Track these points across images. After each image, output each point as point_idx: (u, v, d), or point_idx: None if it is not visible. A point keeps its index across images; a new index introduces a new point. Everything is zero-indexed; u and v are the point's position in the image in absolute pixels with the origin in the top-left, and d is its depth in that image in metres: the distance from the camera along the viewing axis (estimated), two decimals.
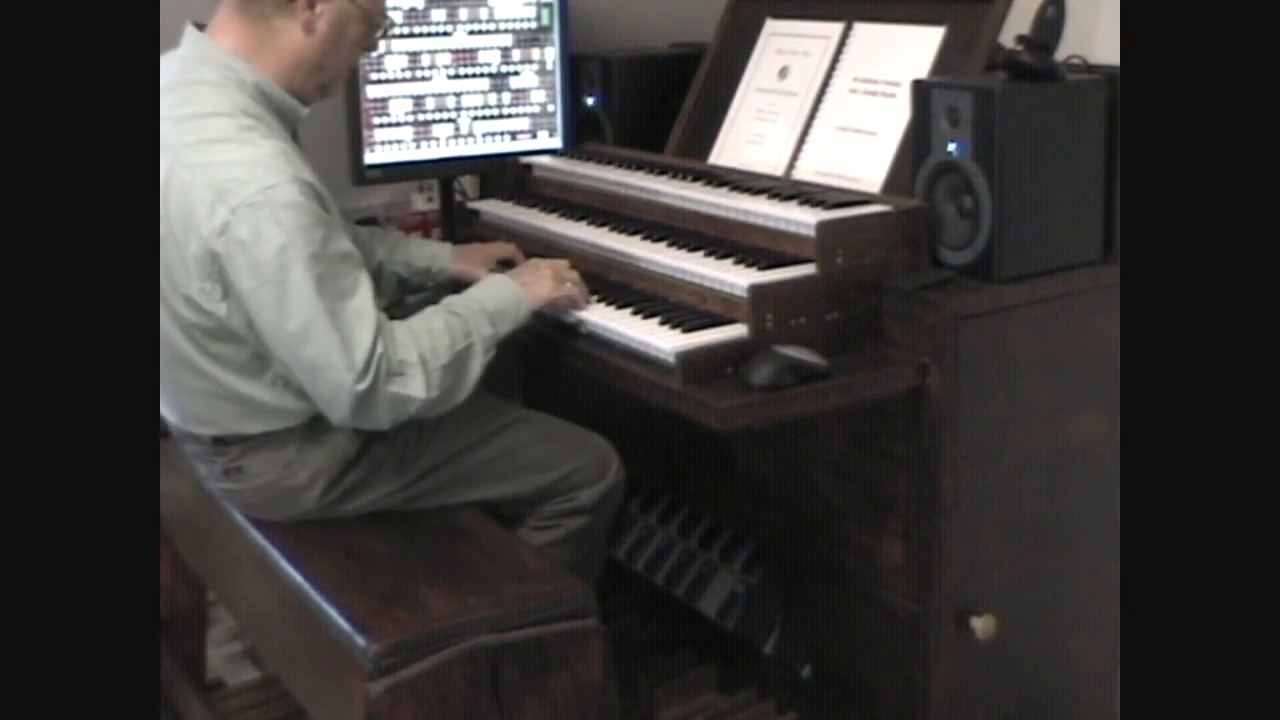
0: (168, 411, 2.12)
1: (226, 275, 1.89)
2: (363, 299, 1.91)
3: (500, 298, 2.08)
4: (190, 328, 1.97)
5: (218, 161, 1.89)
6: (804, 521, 2.29)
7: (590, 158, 2.74)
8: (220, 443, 2.08)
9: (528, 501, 2.20)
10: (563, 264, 2.21)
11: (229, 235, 1.86)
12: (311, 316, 1.87)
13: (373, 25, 2.10)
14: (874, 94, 2.41)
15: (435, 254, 2.41)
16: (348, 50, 2.08)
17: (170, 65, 2.01)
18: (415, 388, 1.93)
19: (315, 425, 2.05)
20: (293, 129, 2.08)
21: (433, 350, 1.95)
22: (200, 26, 2.05)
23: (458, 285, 2.29)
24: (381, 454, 2.10)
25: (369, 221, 2.98)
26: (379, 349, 1.89)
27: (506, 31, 2.81)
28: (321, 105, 2.69)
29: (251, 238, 1.85)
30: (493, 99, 2.82)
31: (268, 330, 1.90)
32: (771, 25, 2.69)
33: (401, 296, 2.42)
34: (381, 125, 2.72)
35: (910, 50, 2.38)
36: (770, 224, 2.20)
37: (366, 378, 1.88)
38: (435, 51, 2.75)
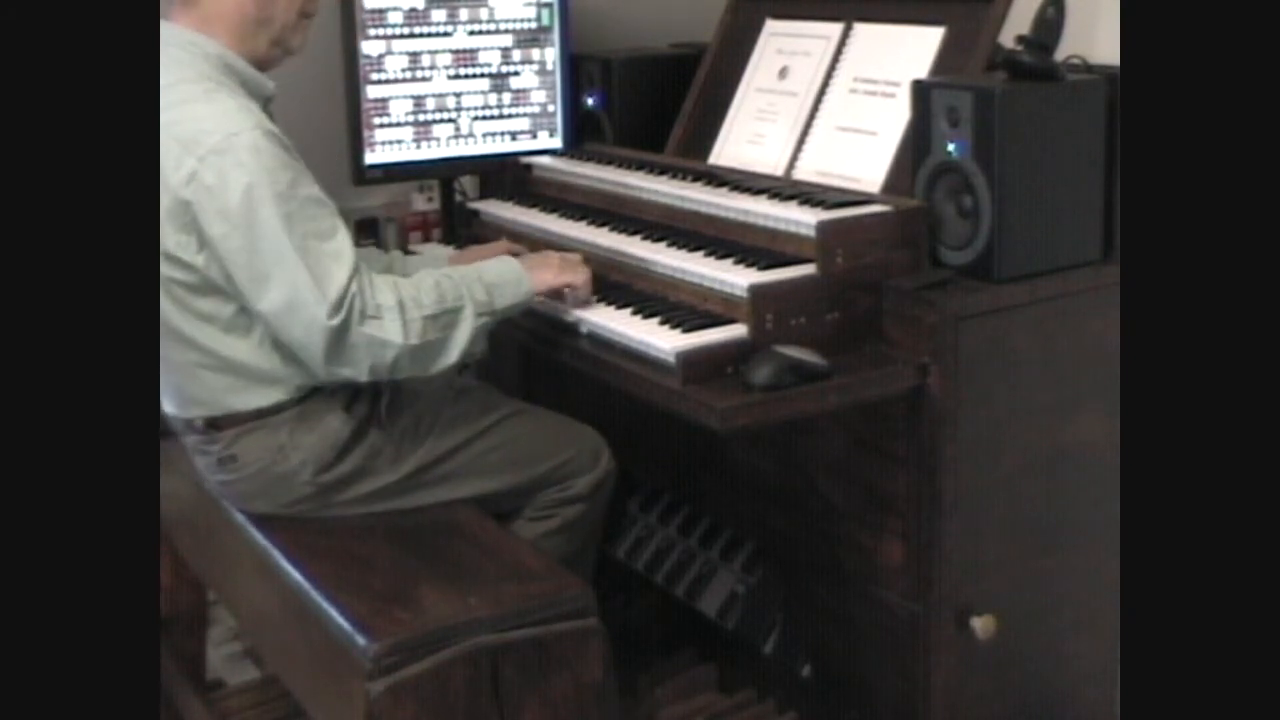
0: (164, 398, 2.13)
1: (199, 224, 1.93)
2: (339, 243, 1.94)
3: (500, 272, 2.10)
4: (171, 284, 1.99)
5: (184, 118, 1.94)
6: (804, 521, 2.29)
7: (590, 158, 2.74)
8: (214, 427, 2.09)
9: (524, 493, 2.21)
10: (575, 257, 2.22)
11: (197, 183, 1.91)
12: (281, 254, 1.90)
13: None
14: (874, 94, 2.41)
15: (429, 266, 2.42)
16: None
17: None
18: (392, 331, 1.94)
19: (306, 409, 2.07)
20: (263, 104, 2.10)
21: (415, 300, 1.97)
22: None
23: None
24: (379, 442, 2.11)
25: (369, 222, 2.99)
26: (353, 288, 1.92)
27: (506, 31, 2.81)
28: (322, 105, 2.71)
29: (218, 183, 1.90)
30: (493, 99, 2.82)
31: (241, 274, 1.93)
32: (771, 25, 2.69)
33: None
34: (382, 125, 2.72)
35: (910, 50, 2.38)
36: (770, 224, 2.20)
37: (339, 313, 1.91)
38: (435, 52, 2.75)
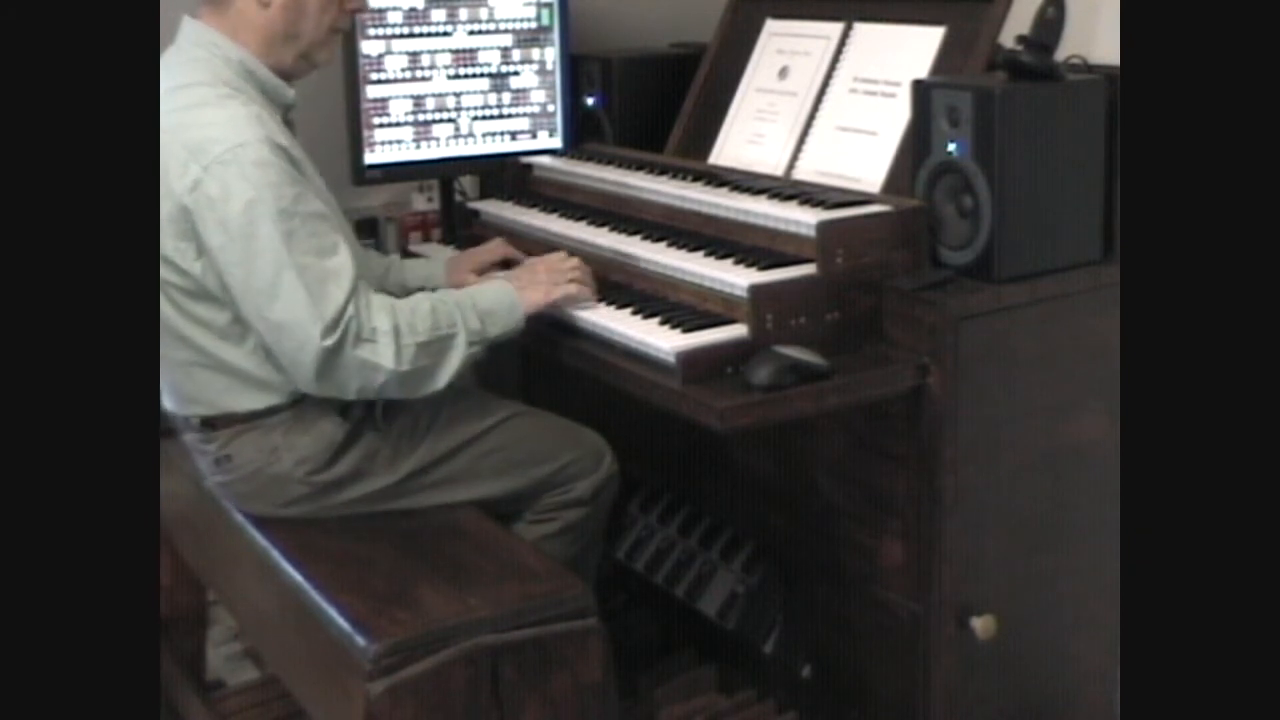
0: (164, 394, 2.14)
1: (198, 232, 1.93)
2: (340, 261, 1.93)
3: (493, 298, 2.09)
4: (168, 287, 1.99)
5: (193, 123, 1.93)
6: (804, 521, 2.29)
7: (590, 158, 2.74)
8: (209, 426, 2.09)
9: (525, 496, 2.21)
10: (556, 257, 2.21)
11: (200, 192, 1.91)
12: (279, 272, 1.90)
13: None
14: (874, 94, 2.41)
15: (429, 274, 2.42)
16: (316, 13, 2.08)
17: (168, 54, 2.06)
18: (385, 356, 1.94)
19: (301, 411, 2.06)
20: (284, 113, 2.10)
21: (410, 326, 1.96)
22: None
23: None
24: (375, 444, 2.11)
25: (369, 221, 2.99)
26: (350, 310, 1.91)
27: (506, 31, 2.81)
28: (321, 105, 2.70)
29: (221, 194, 1.89)
30: (493, 99, 2.83)
31: (237, 288, 1.93)
32: (771, 25, 2.69)
33: None
34: (381, 125, 2.72)
35: (910, 50, 2.38)
36: (770, 224, 2.20)
37: (334, 334, 1.90)
38: (435, 51, 2.75)
